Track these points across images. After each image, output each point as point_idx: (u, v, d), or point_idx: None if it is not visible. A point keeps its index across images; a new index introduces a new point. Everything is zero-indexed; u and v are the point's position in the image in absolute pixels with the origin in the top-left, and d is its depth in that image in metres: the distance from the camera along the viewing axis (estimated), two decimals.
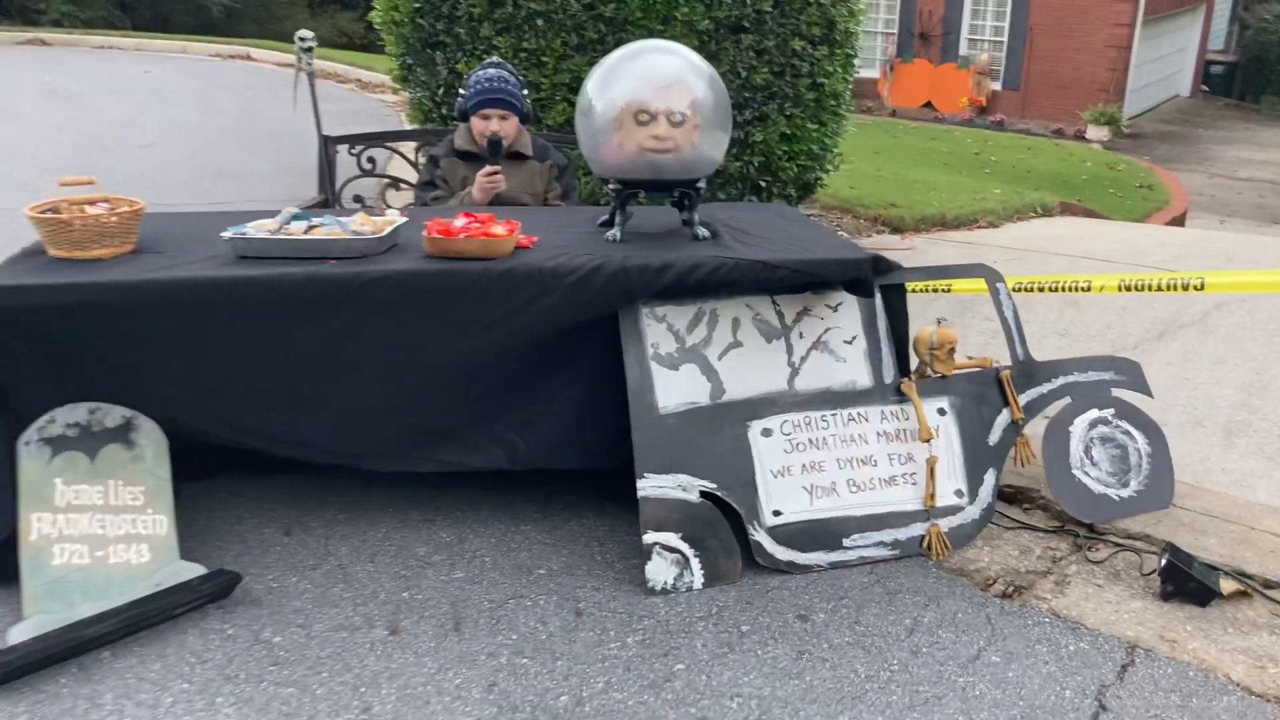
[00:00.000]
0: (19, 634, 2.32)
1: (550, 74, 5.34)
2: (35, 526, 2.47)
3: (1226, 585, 2.68)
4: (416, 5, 5.47)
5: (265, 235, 2.82)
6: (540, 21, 5.27)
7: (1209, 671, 2.42)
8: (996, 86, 19.57)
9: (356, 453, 2.93)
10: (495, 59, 4.06)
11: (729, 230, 3.21)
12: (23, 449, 2.52)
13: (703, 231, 3.12)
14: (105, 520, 2.54)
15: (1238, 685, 2.37)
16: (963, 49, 19.85)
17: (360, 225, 2.91)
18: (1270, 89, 23.82)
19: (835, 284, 3.02)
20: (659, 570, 2.69)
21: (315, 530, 2.93)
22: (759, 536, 2.78)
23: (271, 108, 9.42)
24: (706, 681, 2.35)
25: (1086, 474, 3.04)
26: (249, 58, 13.47)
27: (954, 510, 2.94)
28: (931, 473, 2.92)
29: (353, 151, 4.47)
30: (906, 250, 6.94)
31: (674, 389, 2.85)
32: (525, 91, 3.92)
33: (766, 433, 2.88)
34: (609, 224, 3.15)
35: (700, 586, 2.70)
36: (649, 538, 2.70)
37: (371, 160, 4.53)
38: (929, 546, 2.87)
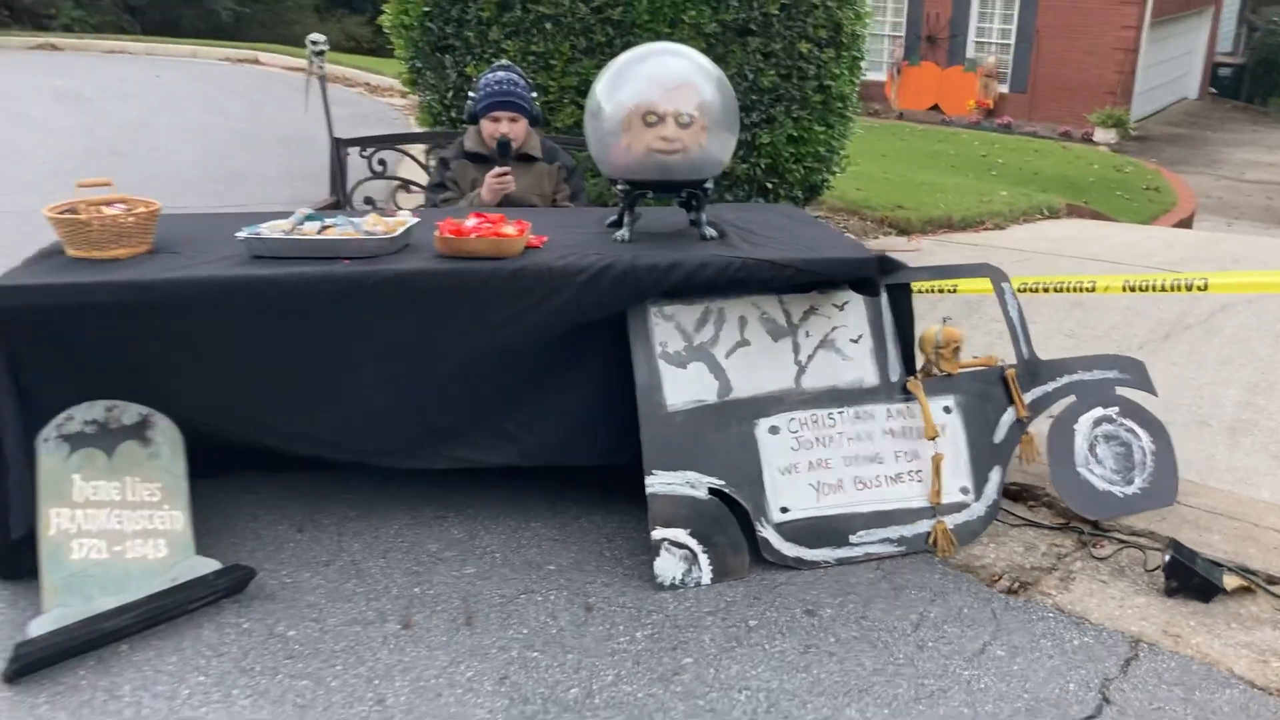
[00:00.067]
0: (39, 627, 2.36)
1: (559, 77, 5.38)
2: (54, 522, 2.51)
3: (1230, 581, 2.70)
4: (426, 9, 5.51)
5: (280, 235, 2.86)
6: (549, 25, 5.31)
7: (1212, 665, 2.44)
8: (1004, 89, 19.57)
9: (368, 450, 2.97)
10: (504, 62, 4.10)
11: (736, 230, 3.24)
12: (41, 446, 2.56)
13: (710, 231, 3.15)
14: (123, 516, 2.58)
15: (1240, 679, 2.39)
16: (970, 52, 19.85)
17: (373, 226, 2.95)
18: (1279, 91, 23.77)
19: (841, 283, 3.06)
20: (667, 566, 2.72)
21: (328, 527, 2.97)
22: (766, 533, 2.82)
23: (280, 111, 9.47)
24: (715, 674, 2.38)
25: (1091, 471, 3.06)
26: (258, 62, 13.53)
27: (959, 507, 2.97)
28: (937, 470, 2.95)
29: (364, 154, 4.51)
30: (913, 252, 6.96)
31: (682, 387, 2.88)
32: (534, 94, 3.96)
33: (774, 430, 2.91)
34: (617, 224, 3.19)
35: (708, 582, 2.73)
36: (657, 534, 2.73)
37: (382, 162, 4.57)
38: (935, 543, 2.90)
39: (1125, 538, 2.97)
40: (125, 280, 2.67)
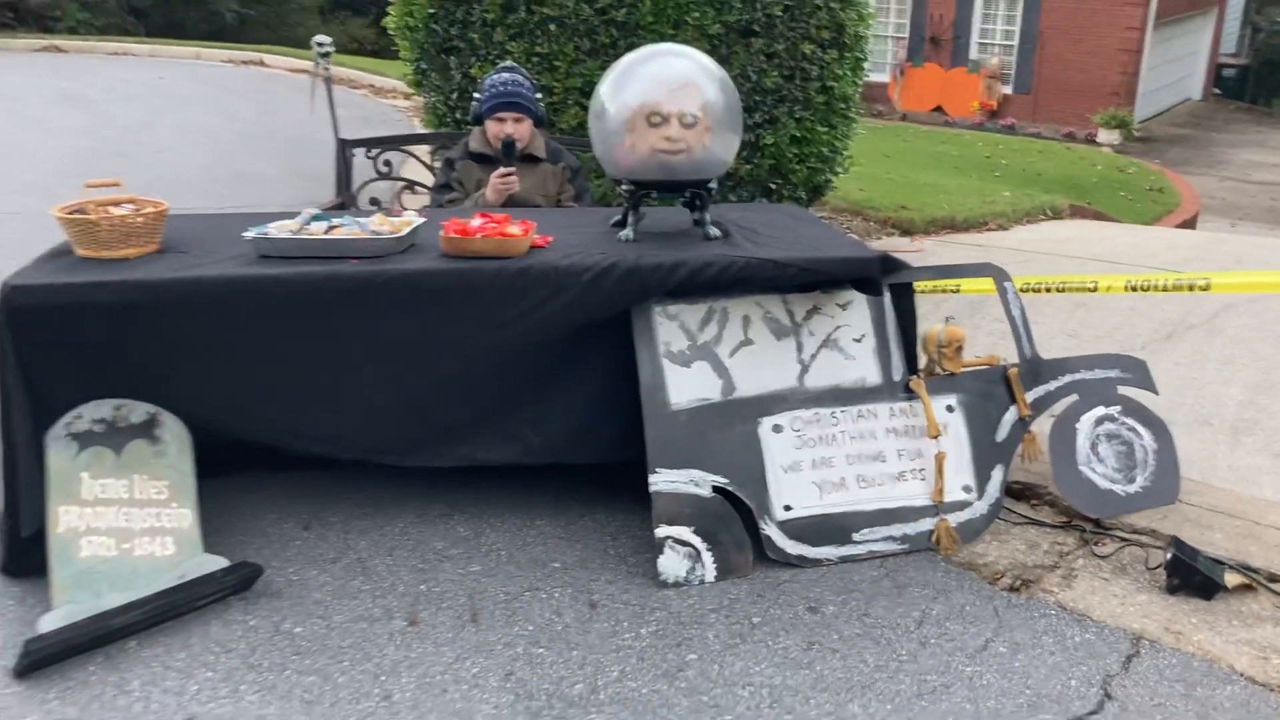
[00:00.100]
0: (49, 623, 2.37)
1: (563, 78, 5.40)
2: (63, 519, 2.53)
3: (1231, 579, 2.71)
4: (431, 11, 5.53)
5: (287, 235, 2.88)
6: (553, 27, 5.33)
7: (1213, 662, 2.45)
8: (1007, 90, 19.59)
9: (375, 448, 2.99)
10: (509, 63, 4.12)
11: (740, 230, 3.26)
12: (50, 444, 2.59)
13: (714, 231, 3.17)
14: (131, 513, 2.60)
15: (1241, 675, 2.41)
16: (973, 53, 19.87)
17: (379, 225, 2.96)
18: None
19: (845, 283, 3.07)
20: (671, 563, 2.73)
21: (334, 525, 2.99)
22: (770, 531, 2.83)
23: (284, 113, 9.50)
24: (719, 671, 2.39)
25: (1093, 470, 3.07)
26: (262, 63, 13.55)
27: (962, 505, 2.98)
28: (940, 468, 2.96)
29: (369, 155, 4.53)
30: (915, 252, 6.97)
31: (686, 386, 2.90)
32: (538, 95, 3.98)
33: (777, 429, 2.93)
34: (622, 224, 3.21)
35: (712, 579, 2.74)
36: (661, 531, 2.75)
37: (388, 163, 4.59)
38: (937, 541, 2.91)
39: (1127, 536, 2.99)
40: (134, 280, 2.69)
